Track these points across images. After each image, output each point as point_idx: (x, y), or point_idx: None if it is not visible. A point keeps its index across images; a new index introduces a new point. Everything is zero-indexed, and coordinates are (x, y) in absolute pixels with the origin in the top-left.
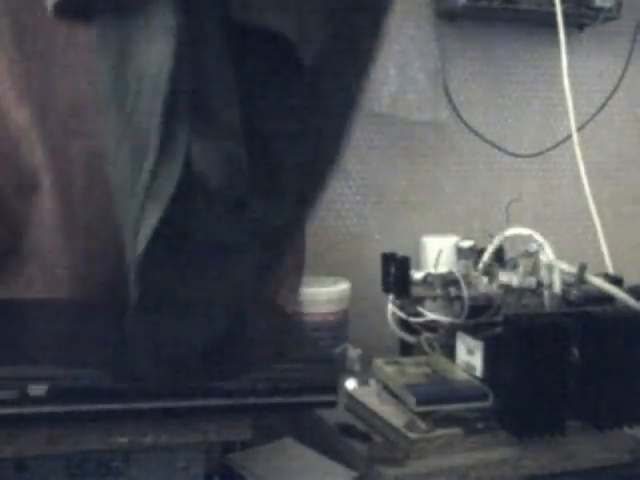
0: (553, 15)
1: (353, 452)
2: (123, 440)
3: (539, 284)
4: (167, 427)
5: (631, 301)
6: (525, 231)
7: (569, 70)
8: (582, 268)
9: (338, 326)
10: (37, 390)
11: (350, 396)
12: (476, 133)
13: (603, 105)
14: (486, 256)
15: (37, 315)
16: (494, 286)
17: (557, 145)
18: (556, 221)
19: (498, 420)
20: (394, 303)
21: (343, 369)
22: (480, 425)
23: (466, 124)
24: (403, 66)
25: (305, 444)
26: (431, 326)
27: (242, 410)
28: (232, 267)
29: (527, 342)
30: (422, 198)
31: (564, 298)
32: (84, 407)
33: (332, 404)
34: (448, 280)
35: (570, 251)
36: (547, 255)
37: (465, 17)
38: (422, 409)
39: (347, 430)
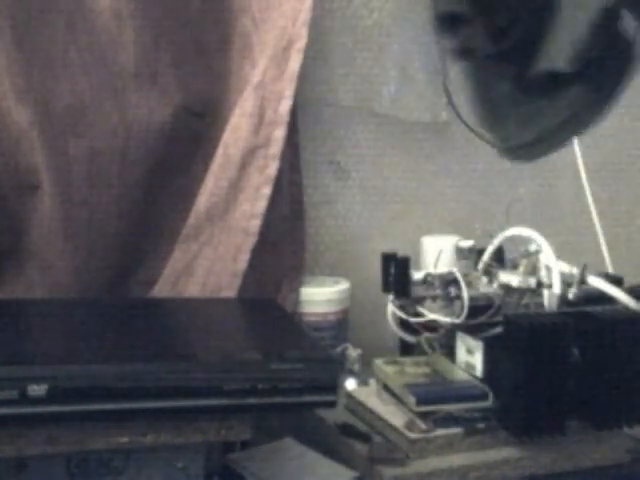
0: None
1: (353, 452)
2: (123, 440)
3: (539, 284)
4: (167, 427)
5: (631, 301)
6: (525, 231)
7: None
8: (582, 268)
9: (338, 326)
10: (37, 390)
11: (350, 396)
12: (476, 133)
13: None
14: (486, 256)
15: (37, 315)
16: (494, 286)
17: None
18: (556, 221)
19: (498, 420)
20: (394, 303)
21: (343, 369)
22: (480, 425)
23: (466, 124)
24: (403, 66)
25: (305, 444)
26: (431, 326)
27: (242, 410)
28: None
29: (527, 342)
30: (422, 198)
31: (564, 298)
32: (84, 407)
33: (332, 404)
34: (448, 280)
35: (570, 251)
36: (547, 255)
37: None
38: (422, 409)
39: (347, 430)
